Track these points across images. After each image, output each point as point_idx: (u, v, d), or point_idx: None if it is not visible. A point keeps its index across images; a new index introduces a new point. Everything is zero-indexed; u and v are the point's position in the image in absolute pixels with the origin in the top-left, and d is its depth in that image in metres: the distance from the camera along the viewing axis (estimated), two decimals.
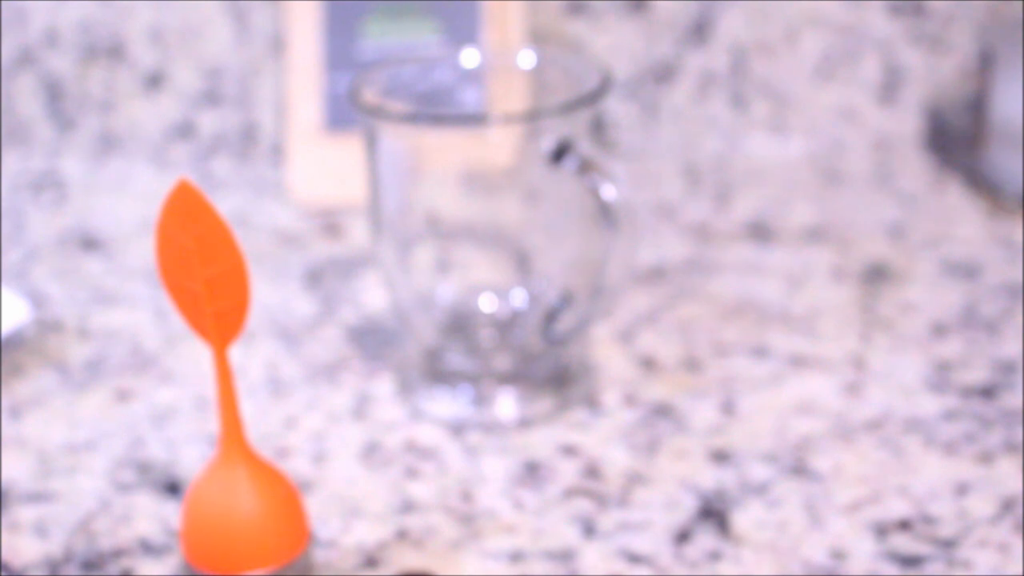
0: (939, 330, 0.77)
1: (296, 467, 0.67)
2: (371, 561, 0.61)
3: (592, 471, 0.67)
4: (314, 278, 0.84)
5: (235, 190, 0.96)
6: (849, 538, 0.62)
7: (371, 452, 0.69)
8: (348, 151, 0.90)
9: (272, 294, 0.82)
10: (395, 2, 0.93)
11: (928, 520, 0.63)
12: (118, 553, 0.62)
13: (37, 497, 0.66)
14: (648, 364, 0.75)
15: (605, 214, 0.66)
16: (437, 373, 0.72)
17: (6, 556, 0.62)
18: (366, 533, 0.63)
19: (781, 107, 0.98)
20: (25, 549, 0.63)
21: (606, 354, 0.75)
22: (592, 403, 0.72)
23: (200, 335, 0.55)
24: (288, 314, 0.80)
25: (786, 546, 0.61)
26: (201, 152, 0.99)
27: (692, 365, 0.74)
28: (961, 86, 0.98)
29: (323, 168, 0.93)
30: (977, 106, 0.93)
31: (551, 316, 0.70)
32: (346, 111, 0.92)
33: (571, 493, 0.65)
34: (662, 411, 0.71)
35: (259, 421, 0.71)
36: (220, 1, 0.97)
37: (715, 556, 0.61)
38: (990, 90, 0.91)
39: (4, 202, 0.95)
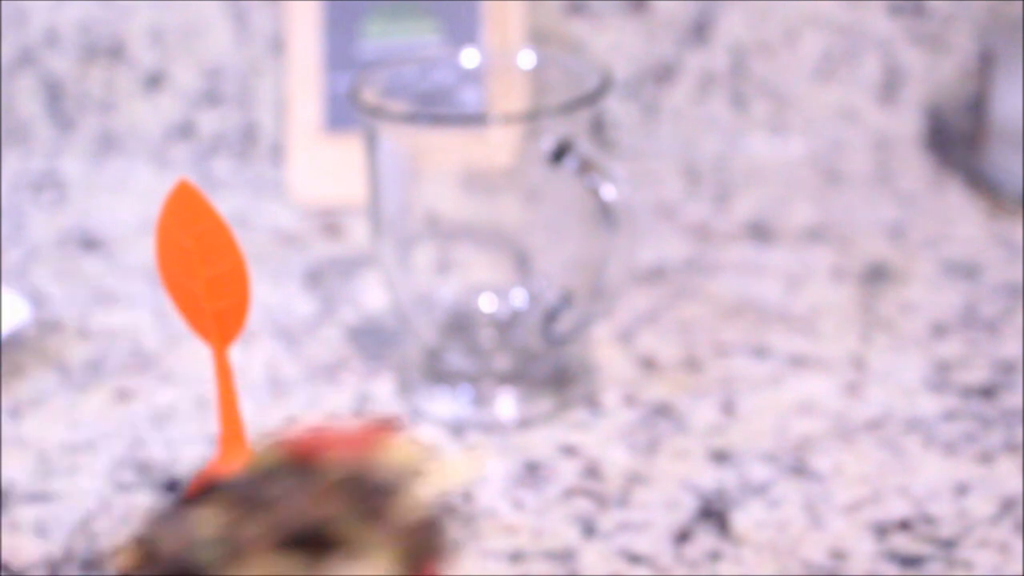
0: (939, 330, 0.77)
1: None
2: None
3: (592, 471, 0.67)
4: (314, 278, 0.84)
5: (235, 190, 0.96)
6: (849, 538, 0.62)
7: None
8: (348, 151, 0.90)
9: (272, 294, 0.82)
10: (395, 2, 0.93)
11: (928, 520, 0.63)
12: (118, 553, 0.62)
13: (37, 497, 0.66)
14: (648, 364, 0.75)
15: (605, 214, 0.66)
16: (437, 373, 0.72)
17: (6, 556, 0.62)
18: None
19: (781, 107, 0.98)
20: (25, 549, 0.63)
21: (606, 354, 0.75)
22: (592, 403, 0.72)
23: (200, 335, 0.55)
24: (288, 314, 0.80)
25: (786, 546, 0.61)
26: (201, 152, 0.99)
27: (692, 365, 0.74)
28: (961, 86, 0.98)
29: (323, 168, 0.93)
30: (977, 106, 0.93)
31: (551, 316, 0.70)
32: (346, 111, 0.92)
33: (571, 493, 0.65)
34: (662, 411, 0.71)
35: (259, 421, 0.70)
36: (220, 1, 0.97)
37: (715, 556, 0.61)
38: (990, 90, 0.91)
39: (4, 202, 0.95)
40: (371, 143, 0.69)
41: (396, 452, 0.30)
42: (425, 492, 0.30)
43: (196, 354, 0.76)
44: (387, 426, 0.31)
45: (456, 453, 0.30)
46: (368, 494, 0.29)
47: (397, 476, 0.30)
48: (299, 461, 0.30)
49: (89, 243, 0.89)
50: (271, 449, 0.31)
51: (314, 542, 0.29)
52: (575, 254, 0.71)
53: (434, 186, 0.71)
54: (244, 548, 0.29)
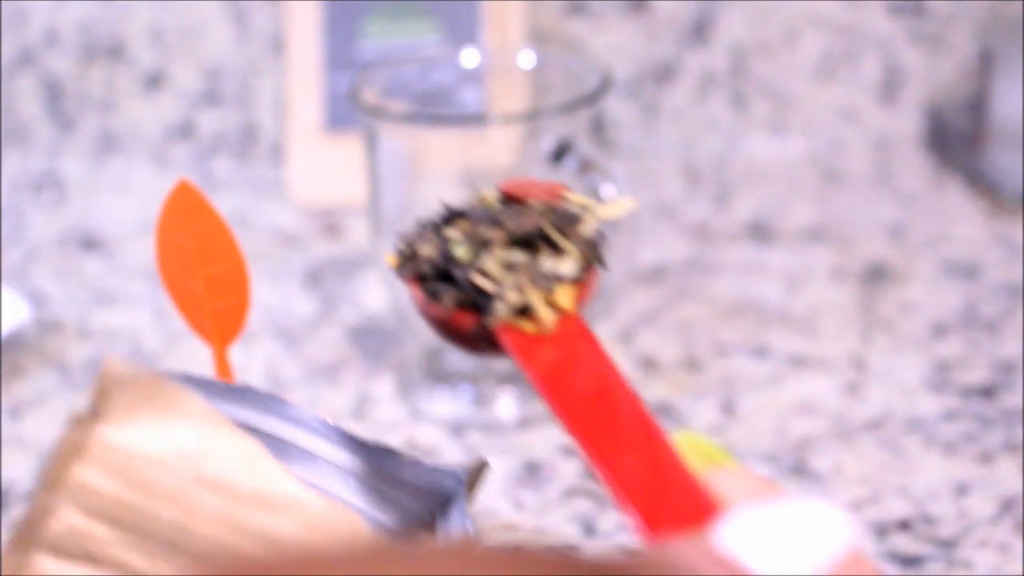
0: (939, 330, 0.77)
1: None
2: None
3: (592, 471, 0.67)
4: (314, 278, 0.84)
5: (235, 190, 0.96)
6: None
7: None
8: (348, 151, 0.90)
9: (272, 294, 0.82)
10: (395, 2, 0.93)
11: (928, 520, 0.63)
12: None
13: None
14: (648, 364, 0.75)
15: None
16: (437, 373, 0.72)
17: None
18: None
19: (781, 107, 0.98)
20: None
21: None
22: None
23: (200, 335, 0.55)
24: (288, 314, 0.80)
25: None
26: (201, 152, 0.99)
27: (692, 365, 0.74)
28: (961, 86, 0.98)
29: (323, 168, 0.93)
30: (977, 106, 0.93)
31: None
32: (346, 111, 0.92)
33: (571, 493, 0.65)
34: (662, 411, 0.71)
35: None
36: (220, 1, 0.97)
37: None
38: (990, 90, 0.91)
39: (4, 202, 0.95)
40: (371, 143, 0.69)
41: (574, 196, 0.44)
42: (594, 221, 0.43)
43: (196, 354, 0.76)
44: (563, 185, 0.45)
45: (609, 199, 0.47)
46: (562, 218, 0.43)
47: (578, 208, 0.44)
48: (511, 199, 0.45)
49: (89, 243, 0.89)
50: (491, 192, 0.45)
51: (531, 244, 0.42)
52: None
53: (434, 186, 0.71)
54: (485, 245, 0.42)
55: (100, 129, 1.00)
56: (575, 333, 0.42)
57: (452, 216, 0.45)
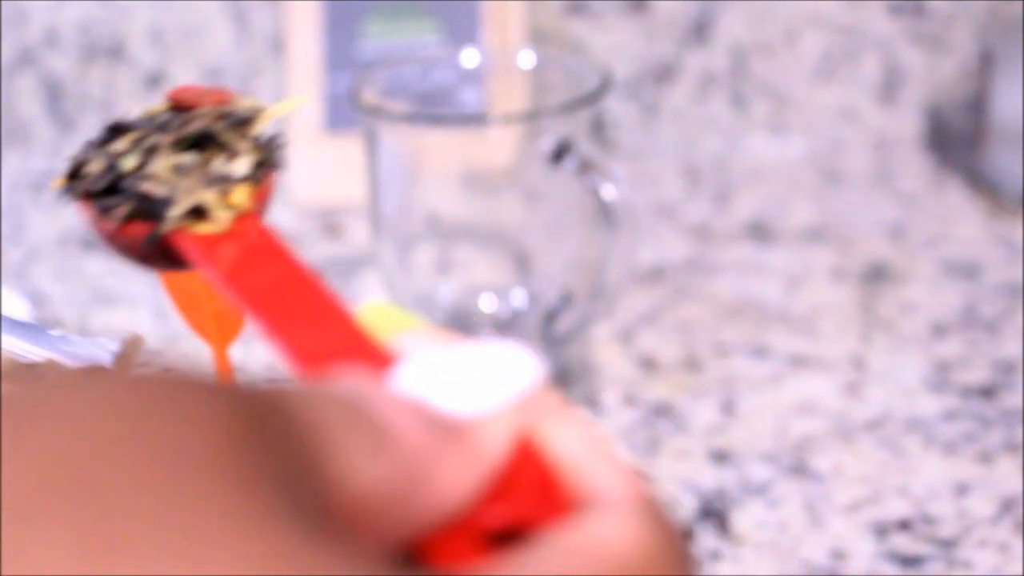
0: (939, 330, 0.77)
1: None
2: None
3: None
4: None
5: None
6: (849, 538, 0.62)
7: None
8: (348, 151, 0.90)
9: None
10: (395, 2, 0.93)
11: (928, 520, 0.63)
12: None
13: None
14: (648, 364, 0.75)
15: (605, 214, 0.66)
16: None
17: None
18: None
19: (781, 107, 0.98)
20: None
21: (606, 354, 0.75)
22: (592, 403, 0.72)
23: (200, 335, 0.55)
24: None
25: (786, 546, 0.61)
26: None
27: (692, 365, 0.74)
28: (961, 86, 0.98)
29: (323, 168, 0.93)
30: (977, 106, 0.93)
31: (551, 316, 0.70)
32: (346, 111, 0.92)
33: None
34: (662, 411, 0.71)
35: None
36: (220, 1, 0.97)
37: (715, 556, 0.61)
38: (990, 90, 0.91)
39: (4, 202, 0.95)
40: (371, 143, 0.69)
41: (245, 99, 0.44)
42: (265, 121, 0.44)
43: (196, 354, 0.76)
44: (231, 91, 0.44)
45: (281, 100, 0.46)
46: (233, 120, 0.43)
47: (248, 110, 0.44)
48: (179, 108, 0.43)
49: (89, 243, 0.89)
50: (157, 105, 0.44)
51: (203, 148, 0.42)
52: (575, 254, 0.71)
53: (434, 186, 0.71)
54: (153, 152, 0.42)
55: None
56: (254, 232, 0.42)
57: (117, 130, 0.44)
